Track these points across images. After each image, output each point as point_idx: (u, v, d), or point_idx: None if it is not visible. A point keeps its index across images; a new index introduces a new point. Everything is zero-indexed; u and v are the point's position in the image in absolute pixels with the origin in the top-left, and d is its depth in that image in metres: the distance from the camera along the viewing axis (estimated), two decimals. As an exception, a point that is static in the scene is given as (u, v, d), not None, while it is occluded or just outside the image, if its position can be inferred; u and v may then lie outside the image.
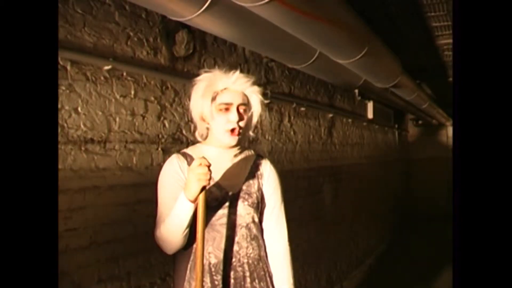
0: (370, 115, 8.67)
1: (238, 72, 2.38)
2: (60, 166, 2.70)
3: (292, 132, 5.75)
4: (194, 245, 2.26)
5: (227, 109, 2.33)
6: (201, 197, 2.11)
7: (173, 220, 2.19)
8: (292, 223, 5.41)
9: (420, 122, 14.19)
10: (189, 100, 2.45)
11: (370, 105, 8.60)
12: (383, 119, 9.87)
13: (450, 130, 14.10)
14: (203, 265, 2.16)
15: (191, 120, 2.56)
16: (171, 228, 2.20)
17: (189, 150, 2.46)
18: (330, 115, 7.04)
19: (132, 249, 3.15)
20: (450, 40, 6.84)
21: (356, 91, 7.38)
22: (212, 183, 2.31)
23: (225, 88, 2.34)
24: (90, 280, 2.88)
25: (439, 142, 14.32)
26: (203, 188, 2.10)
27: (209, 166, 2.08)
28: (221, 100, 2.33)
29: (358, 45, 4.38)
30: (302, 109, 5.99)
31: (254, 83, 2.43)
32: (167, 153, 3.44)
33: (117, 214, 3.07)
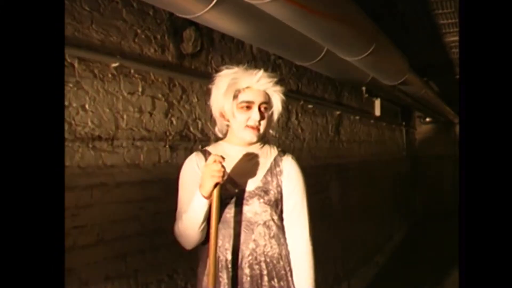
0: (377, 112, 8.66)
1: (262, 71, 2.38)
2: (67, 163, 2.70)
3: (299, 130, 5.74)
4: None
5: (248, 107, 2.34)
6: (215, 193, 2.15)
7: (189, 215, 2.24)
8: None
9: (427, 119, 14.15)
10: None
11: (377, 103, 8.60)
12: (390, 116, 9.86)
13: (457, 128, 14.04)
14: (216, 260, 2.20)
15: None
16: (188, 223, 2.25)
17: (210, 148, 2.49)
18: (338, 113, 7.03)
19: (139, 247, 3.15)
20: (458, 38, 6.82)
21: (364, 88, 7.37)
22: (228, 179, 2.35)
23: (247, 87, 2.35)
24: (98, 277, 2.88)
25: (446, 140, 14.27)
26: (217, 184, 2.14)
27: (222, 163, 2.13)
28: (243, 98, 2.33)
29: (365, 42, 4.38)
30: (310, 106, 5.99)
31: (277, 83, 2.43)
32: (174, 151, 3.45)
33: (125, 212, 3.07)
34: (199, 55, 3.81)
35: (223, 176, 2.14)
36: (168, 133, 3.44)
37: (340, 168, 7.16)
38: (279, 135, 5.19)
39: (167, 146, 3.42)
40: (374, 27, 4.48)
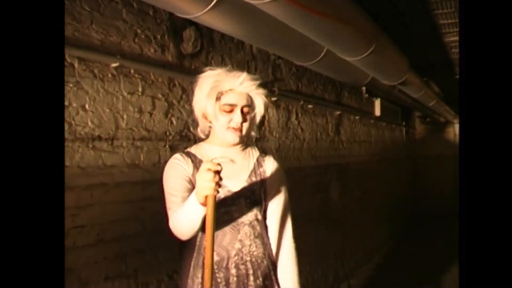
0: (377, 112, 8.66)
1: (245, 73, 2.38)
2: (67, 163, 2.70)
3: (299, 130, 5.75)
4: (198, 242, 2.32)
5: (231, 110, 2.34)
6: (210, 202, 2.03)
7: (185, 219, 2.18)
8: (299, 220, 5.38)
9: (427, 119, 14.16)
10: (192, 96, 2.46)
11: (377, 103, 8.60)
12: (390, 116, 9.86)
13: (457, 128, 14.05)
14: (212, 266, 2.10)
15: (193, 117, 2.56)
16: (184, 225, 2.21)
17: (193, 149, 2.48)
18: (338, 113, 7.03)
19: (139, 247, 3.15)
20: (458, 38, 6.82)
21: (364, 88, 7.37)
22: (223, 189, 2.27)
23: (230, 89, 2.35)
24: (97, 277, 2.89)
25: (446, 140, 14.28)
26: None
27: (218, 172, 2.00)
28: (225, 101, 2.33)
29: (365, 42, 4.37)
30: (310, 106, 5.99)
31: (260, 85, 2.42)
32: (174, 150, 3.44)
33: (125, 212, 3.07)
34: (199, 55, 3.81)
35: (217, 188, 2.01)
36: (168, 133, 3.44)
37: (340, 168, 7.16)
38: (279, 135, 5.19)
39: (167, 146, 3.42)
40: (374, 27, 4.48)
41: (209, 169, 1.99)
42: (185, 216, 2.18)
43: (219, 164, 2.01)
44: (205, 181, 1.99)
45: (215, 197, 2.04)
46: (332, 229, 6.73)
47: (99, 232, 2.90)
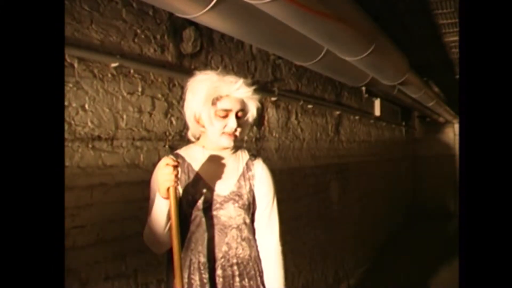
0: (377, 112, 8.67)
1: (241, 80, 2.38)
2: (67, 164, 2.70)
3: (299, 130, 5.74)
4: (186, 243, 2.37)
5: (225, 115, 2.35)
6: (171, 195, 2.16)
7: (153, 216, 2.27)
8: (299, 220, 5.37)
9: (427, 119, 14.16)
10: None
11: (377, 103, 8.61)
12: (390, 116, 9.86)
13: (457, 128, 14.06)
14: (181, 263, 2.21)
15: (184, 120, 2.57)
16: (153, 224, 2.28)
17: (182, 151, 2.50)
18: (337, 113, 7.03)
19: (139, 247, 3.14)
20: (458, 38, 6.82)
21: (363, 88, 7.37)
22: (203, 184, 2.39)
23: (226, 95, 2.35)
24: (97, 277, 2.89)
25: (446, 140, 14.29)
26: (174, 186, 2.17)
27: (175, 166, 2.15)
28: (221, 106, 2.34)
29: (365, 42, 4.37)
30: (309, 106, 5.99)
31: (255, 91, 2.44)
32: (174, 151, 3.44)
33: (124, 212, 3.07)
34: (198, 55, 3.81)
35: (176, 180, 2.15)
36: (167, 133, 3.44)
37: (340, 168, 7.16)
38: (279, 135, 5.19)
39: (166, 146, 3.42)
40: (374, 27, 4.48)
41: (167, 164, 2.13)
42: (153, 214, 2.27)
43: (176, 160, 2.17)
44: (165, 175, 2.13)
45: (175, 188, 2.18)
46: (332, 229, 6.73)
47: (99, 232, 2.90)
